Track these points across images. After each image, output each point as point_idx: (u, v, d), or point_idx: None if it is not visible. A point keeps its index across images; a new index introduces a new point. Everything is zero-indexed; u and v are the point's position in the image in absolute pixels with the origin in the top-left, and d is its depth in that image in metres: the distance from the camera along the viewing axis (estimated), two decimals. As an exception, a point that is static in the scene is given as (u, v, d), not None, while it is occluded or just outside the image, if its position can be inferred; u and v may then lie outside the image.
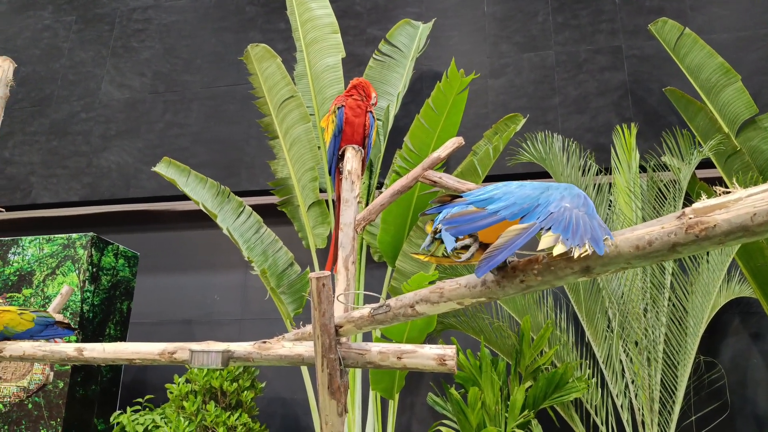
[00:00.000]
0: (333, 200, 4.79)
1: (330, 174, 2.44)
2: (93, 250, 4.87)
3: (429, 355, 1.68)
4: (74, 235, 4.92)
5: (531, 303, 4.25)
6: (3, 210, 3.14)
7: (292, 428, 5.15)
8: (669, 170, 4.34)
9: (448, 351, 1.73)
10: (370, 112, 2.39)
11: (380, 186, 4.99)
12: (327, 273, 1.66)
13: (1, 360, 2.36)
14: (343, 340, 1.85)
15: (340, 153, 2.38)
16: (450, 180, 2.05)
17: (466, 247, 1.34)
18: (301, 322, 2.22)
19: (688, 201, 4.26)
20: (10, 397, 4.02)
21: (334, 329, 1.68)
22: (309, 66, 4.83)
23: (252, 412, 4.61)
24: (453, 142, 2.11)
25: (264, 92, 4.72)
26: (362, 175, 2.26)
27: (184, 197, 6.09)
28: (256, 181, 5.85)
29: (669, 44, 4.70)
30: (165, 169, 4.60)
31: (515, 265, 1.34)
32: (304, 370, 4.53)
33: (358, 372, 4.47)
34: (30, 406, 4.48)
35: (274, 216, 5.11)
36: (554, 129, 4.96)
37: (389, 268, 4.59)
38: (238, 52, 6.31)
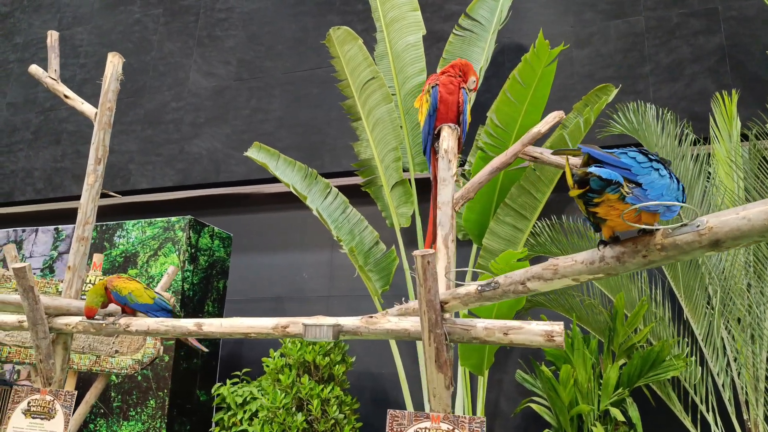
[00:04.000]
0: (415, 180, 4.83)
1: (425, 154, 2.46)
2: (191, 232, 5.16)
3: (536, 331, 1.69)
4: (173, 219, 5.22)
5: (624, 279, 4.13)
6: (118, 195, 3.38)
7: (381, 401, 5.30)
8: (775, 138, 4.07)
9: (556, 327, 1.73)
10: (463, 89, 2.37)
11: (462, 164, 4.97)
12: (431, 251, 1.69)
13: (129, 333, 2.58)
14: (447, 315, 1.89)
15: (435, 132, 2.40)
16: (552, 156, 2.02)
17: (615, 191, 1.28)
18: (403, 298, 2.28)
19: (798, 170, 3.98)
20: (126, 369, 4.38)
21: (439, 305, 1.72)
22: (389, 45, 4.85)
23: (344, 385, 4.77)
24: (553, 116, 2.07)
25: (346, 74, 4.79)
26: (459, 153, 2.27)
27: (272, 180, 6.34)
28: (338, 163, 5.97)
29: (775, 1, 4.36)
30: (256, 153, 4.79)
31: (636, 240, 1.32)
32: (393, 346, 4.64)
33: (446, 348, 4.53)
34: (140, 378, 4.85)
35: (357, 196, 5.22)
36: (645, 99, 4.75)
37: (474, 246, 4.59)
38: (318, 36, 6.42)
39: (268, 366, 4.84)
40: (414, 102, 2.88)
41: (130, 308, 2.71)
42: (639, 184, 1.27)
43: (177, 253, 5.07)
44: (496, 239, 4.09)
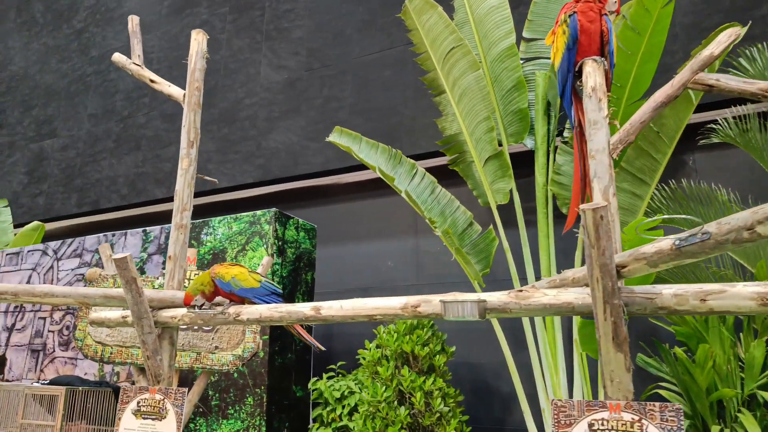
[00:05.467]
0: (509, 154, 4.47)
1: (563, 97, 2.13)
2: (277, 224, 5.03)
3: (745, 294, 1.35)
4: (258, 212, 5.11)
5: (766, 247, 3.64)
6: (215, 180, 3.24)
7: (484, 394, 4.99)
8: None
9: (773, 287, 1.37)
10: (605, 15, 2.03)
11: (560, 133, 4.58)
12: (604, 203, 1.38)
13: (240, 323, 2.41)
14: (620, 284, 1.56)
15: (576, 69, 2.07)
16: (732, 81, 1.66)
17: None
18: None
19: None
20: (227, 366, 4.28)
21: (615, 270, 1.40)
22: (470, 11, 4.52)
23: (445, 376, 4.50)
24: (729, 35, 1.71)
25: (426, 46, 4.49)
26: (609, 91, 1.93)
27: (350, 169, 6.15)
28: (418, 144, 5.70)
29: None
30: (338, 137, 4.58)
31: None
32: (498, 331, 4.32)
33: (559, 331, 4.17)
34: (236, 375, 4.76)
35: (442, 178, 4.92)
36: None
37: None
38: (386, 16, 6.16)
39: (364, 358, 4.63)
40: (546, 39, 2.51)
41: (237, 296, 2.54)
42: None
43: (265, 246, 4.95)
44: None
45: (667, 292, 1.44)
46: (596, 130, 1.74)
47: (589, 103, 1.81)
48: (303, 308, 2.18)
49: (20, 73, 9.30)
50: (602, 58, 1.98)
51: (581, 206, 1.43)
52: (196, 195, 6.94)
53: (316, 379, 4.90)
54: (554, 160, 4.44)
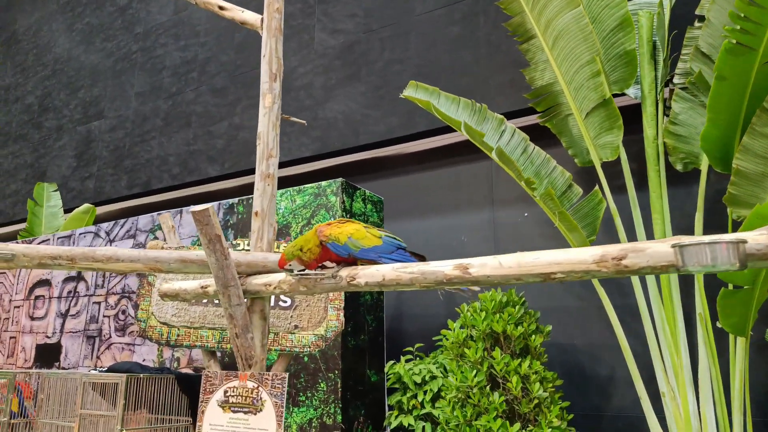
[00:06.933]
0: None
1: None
2: (344, 195, 4.58)
3: None
4: (324, 183, 4.68)
5: None
6: (303, 123, 2.80)
7: (582, 379, 4.47)
8: None
9: None
10: None
11: (667, 83, 3.98)
12: None
13: (355, 288, 1.95)
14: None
15: None
16: None
17: None
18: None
19: None
20: (309, 347, 3.84)
21: None
22: (563, -56, 3.94)
23: (541, 359, 4.00)
24: None
25: (512, -14, 3.95)
26: None
27: (415, 137, 5.66)
28: (494, 105, 5.16)
29: None
30: (414, 92, 4.08)
31: None
32: (609, 308, 3.78)
33: (678, 304, 3.61)
34: (306, 359, 4.35)
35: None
36: None
37: (704, 179, 3.62)
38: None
39: (447, 339, 4.15)
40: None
41: (357, 259, 2.06)
42: None
43: (332, 219, 4.51)
44: (751, 159, 3.10)
45: None
46: None
47: None
48: (442, 267, 1.69)
49: (64, 55, 9.09)
50: None
51: None
52: (247, 172, 6.58)
53: (393, 362, 4.46)
54: (663, 111, 3.86)
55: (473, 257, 1.64)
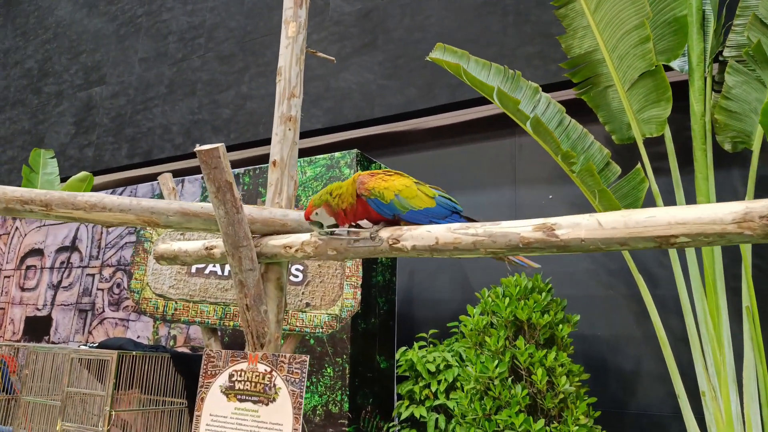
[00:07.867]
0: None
1: None
2: (359, 168, 4.25)
3: None
4: (337, 154, 4.35)
5: None
6: (332, 59, 2.46)
7: (603, 373, 4.16)
8: None
9: None
10: None
11: (716, 58, 3.64)
12: None
13: (399, 254, 1.59)
14: None
15: None
16: None
17: None
18: None
19: None
20: (322, 327, 3.51)
21: None
22: None
23: (568, 350, 3.69)
24: None
25: (554, -57, 3.59)
26: None
27: (434, 110, 5.31)
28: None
29: None
30: (441, 54, 3.74)
31: None
32: (647, 297, 3.47)
33: (723, 296, 3.29)
34: (312, 342, 4.05)
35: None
36: None
37: (756, 159, 3.30)
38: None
39: (465, 325, 3.84)
40: None
41: (403, 220, 1.71)
42: None
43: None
44: (823, 134, 2.78)
45: None
46: None
47: None
48: (518, 228, 1.31)
49: (66, 18, 8.72)
50: None
51: None
52: (251, 144, 6.24)
53: (405, 348, 4.15)
54: (712, 86, 3.53)
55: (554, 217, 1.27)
